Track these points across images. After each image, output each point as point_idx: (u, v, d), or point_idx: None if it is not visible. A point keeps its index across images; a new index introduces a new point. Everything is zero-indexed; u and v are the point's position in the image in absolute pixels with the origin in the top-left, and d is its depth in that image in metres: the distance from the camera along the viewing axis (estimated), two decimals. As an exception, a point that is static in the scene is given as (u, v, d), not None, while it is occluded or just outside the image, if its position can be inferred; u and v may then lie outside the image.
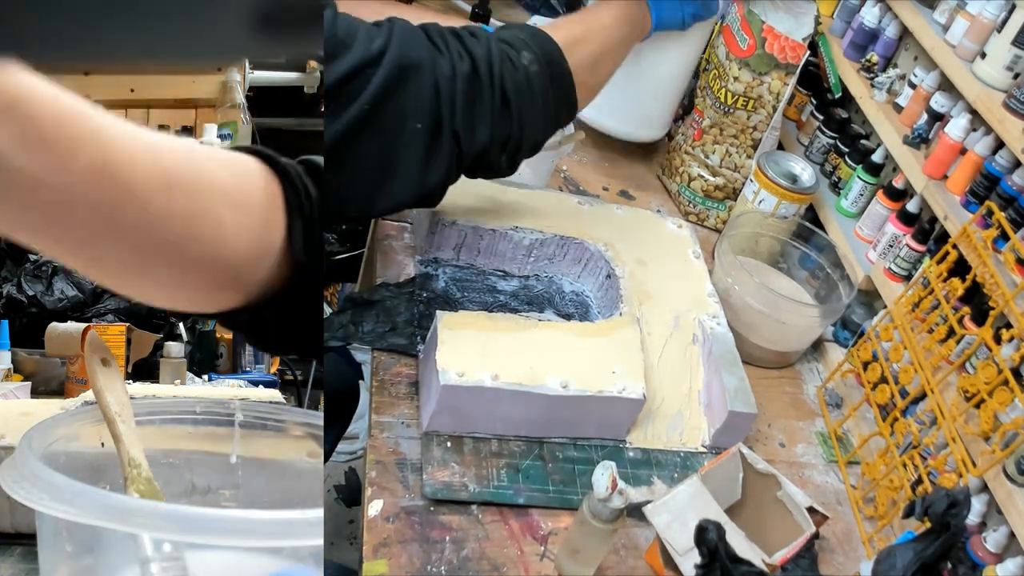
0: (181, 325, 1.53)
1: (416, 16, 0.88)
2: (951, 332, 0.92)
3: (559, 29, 0.91)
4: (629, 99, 1.29)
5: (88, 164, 0.43)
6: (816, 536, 0.85)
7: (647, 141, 1.37)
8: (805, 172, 1.22)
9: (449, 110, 0.80)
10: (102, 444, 0.66)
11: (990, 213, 0.91)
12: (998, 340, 0.85)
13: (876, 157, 1.18)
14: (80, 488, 0.52)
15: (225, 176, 0.50)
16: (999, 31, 0.96)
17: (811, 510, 0.85)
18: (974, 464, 0.84)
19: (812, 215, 1.27)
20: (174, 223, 0.47)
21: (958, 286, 0.92)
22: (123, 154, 0.44)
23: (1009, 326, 0.84)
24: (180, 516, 0.52)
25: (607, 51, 0.96)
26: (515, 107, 0.83)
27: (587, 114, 1.31)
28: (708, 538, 0.65)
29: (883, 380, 0.99)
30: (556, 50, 0.88)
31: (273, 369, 1.64)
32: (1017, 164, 0.94)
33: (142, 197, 0.45)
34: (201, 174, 0.49)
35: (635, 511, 0.86)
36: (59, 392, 1.30)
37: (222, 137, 1.78)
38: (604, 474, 0.73)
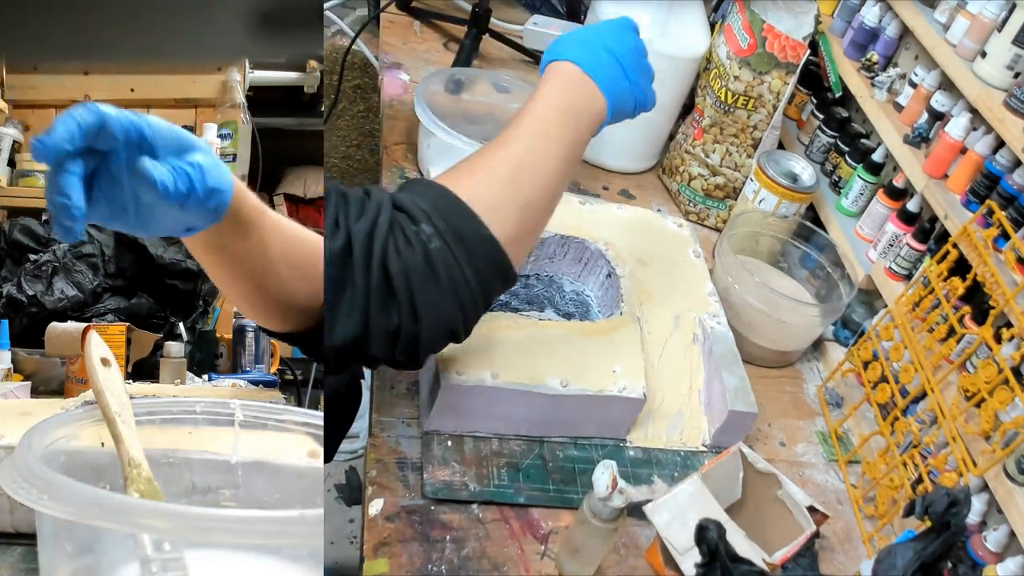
0: (181, 325, 1.53)
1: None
2: (951, 331, 0.92)
3: (489, 160, 0.77)
4: (620, 139, 1.34)
5: (255, 247, 0.69)
6: (816, 535, 0.85)
7: (637, 172, 1.42)
8: (805, 171, 1.22)
9: None
10: (102, 444, 0.66)
11: (990, 212, 0.91)
12: (998, 339, 0.85)
13: (876, 156, 1.18)
14: (80, 488, 0.52)
15: (313, 254, 0.73)
16: (999, 30, 0.96)
17: (811, 509, 0.85)
18: (974, 463, 0.84)
19: (812, 214, 1.27)
20: (279, 281, 0.73)
21: (958, 285, 0.92)
22: (275, 238, 0.71)
23: (1009, 325, 0.84)
24: (180, 516, 0.52)
25: (552, 168, 0.79)
26: (402, 293, 0.69)
27: None
28: (708, 537, 0.65)
29: (883, 379, 0.99)
30: (467, 217, 0.72)
31: (273, 369, 1.64)
32: (1017, 163, 0.94)
33: (273, 268, 0.71)
34: (302, 255, 0.73)
35: (635, 510, 0.86)
36: (59, 392, 1.30)
37: (222, 137, 1.78)
38: (604, 473, 0.73)
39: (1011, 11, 0.95)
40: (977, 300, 0.92)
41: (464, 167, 0.78)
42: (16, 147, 1.73)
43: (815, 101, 1.35)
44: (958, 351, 0.91)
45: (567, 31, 1.49)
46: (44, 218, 1.69)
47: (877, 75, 1.18)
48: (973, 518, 0.86)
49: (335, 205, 0.70)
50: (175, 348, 1.37)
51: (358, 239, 0.68)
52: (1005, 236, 0.88)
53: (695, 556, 0.67)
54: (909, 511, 0.73)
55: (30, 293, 1.54)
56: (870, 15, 1.20)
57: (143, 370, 1.44)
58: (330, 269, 0.68)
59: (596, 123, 0.85)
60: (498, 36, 1.49)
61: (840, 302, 1.10)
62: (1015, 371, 0.83)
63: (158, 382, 1.32)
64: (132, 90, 1.80)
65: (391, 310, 0.69)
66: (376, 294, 0.69)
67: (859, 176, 1.20)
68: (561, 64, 0.85)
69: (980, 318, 0.91)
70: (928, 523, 0.71)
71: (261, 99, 1.90)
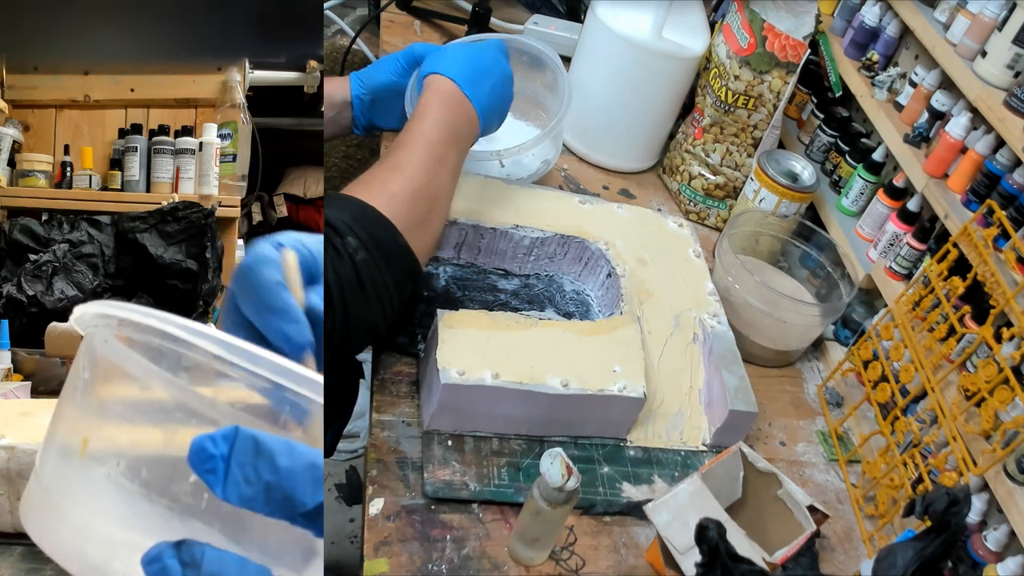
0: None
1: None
2: (952, 331, 0.92)
3: (388, 184, 0.83)
4: (620, 138, 1.36)
5: None
6: (817, 535, 0.85)
7: (637, 171, 1.42)
8: (806, 171, 1.22)
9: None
10: None
11: (991, 212, 0.91)
12: (999, 339, 0.85)
13: (877, 156, 1.18)
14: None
15: None
16: (1000, 30, 0.96)
17: (812, 509, 0.85)
18: (975, 463, 0.84)
19: (813, 214, 1.27)
20: None
21: (959, 285, 0.92)
22: None
23: (1010, 324, 0.84)
24: None
25: (442, 187, 0.87)
26: (337, 303, 0.74)
27: (581, 149, 1.39)
28: (709, 537, 0.65)
29: (884, 379, 0.99)
30: (386, 229, 0.80)
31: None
32: (1018, 163, 0.94)
33: None
34: None
35: (635, 510, 0.86)
36: (59, 392, 1.30)
37: (222, 137, 1.78)
38: (555, 463, 0.73)
39: (1011, 11, 0.95)
40: (977, 299, 0.92)
41: (361, 190, 0.82)
42: (16, 147, 1.72)
43: (815, 100, 1.35)
44: (958, 350, 0.91)
45: (566, 30, 1.50)
46: (44, 218, 1.69)
47: (877, 74, 1.18)
48: (973, 517, 0.86)
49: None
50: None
51: None
52: (1005, 235, 0.88)
53: (695, 556, 0.67)
54: (909, 511, 0.73)
55: (30, 293, 1.54)
56: (870, 15, 1.20)
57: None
58: None
59: (472, 139, 0.94)
60: (498, 36, 1.49)
61: (840, 302, 1.10)
62: (1015, 370, 0.83)
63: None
64: (132, 90, 1.80)
65: (327, 318, 0.73)
66: None
67: (859, 175, 1.20)
68: (441, 80, 0.92)
69: (980, 317, 0.91)
70: (928, 523, 0.71)
71: (261, 99, 1.90)
